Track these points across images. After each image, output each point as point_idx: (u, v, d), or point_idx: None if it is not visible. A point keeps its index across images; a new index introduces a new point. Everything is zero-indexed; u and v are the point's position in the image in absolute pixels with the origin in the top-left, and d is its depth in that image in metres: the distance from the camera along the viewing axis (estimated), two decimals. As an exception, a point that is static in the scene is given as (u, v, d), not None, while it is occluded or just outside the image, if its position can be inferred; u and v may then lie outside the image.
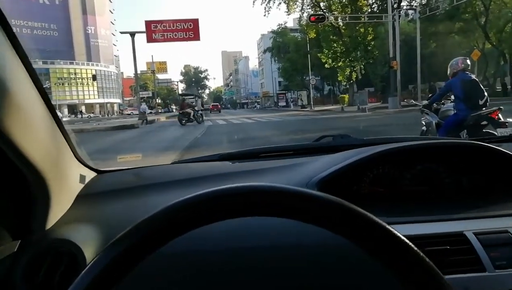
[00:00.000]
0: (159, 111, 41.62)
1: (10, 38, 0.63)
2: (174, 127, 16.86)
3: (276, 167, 1.10)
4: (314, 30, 29.35)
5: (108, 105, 75.89)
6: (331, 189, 0.88)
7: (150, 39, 24.29)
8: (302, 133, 10.58)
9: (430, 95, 5.68)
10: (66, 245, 0.74)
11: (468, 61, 4.76)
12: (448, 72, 4.83)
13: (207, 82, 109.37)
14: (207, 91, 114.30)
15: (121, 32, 26.95)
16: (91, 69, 69.51)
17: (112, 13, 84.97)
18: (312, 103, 35.58)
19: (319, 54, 30.34)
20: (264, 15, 50.85)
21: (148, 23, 24.20)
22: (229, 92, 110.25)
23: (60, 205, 0.86)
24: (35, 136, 0.72)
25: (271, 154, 1.31)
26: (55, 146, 0.82)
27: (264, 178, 1.02)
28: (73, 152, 0.95)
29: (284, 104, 50.15)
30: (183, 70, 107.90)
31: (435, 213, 0.83)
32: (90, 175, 1.06)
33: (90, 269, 0.36)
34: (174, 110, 50.10)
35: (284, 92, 54.24)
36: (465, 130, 4.58)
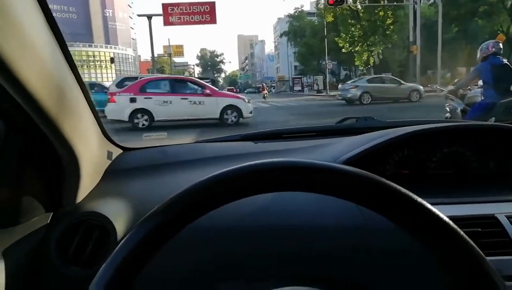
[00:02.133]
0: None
1: (49, 22, 0.64)
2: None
3: (299, 148, 1.09)
4: (331, 14, 28.64)
5: (125, 88, 76.35)
6: None
7: (167, 22, 24.21)
8: (319, 118, 10.47)
9: (455, 80, 5.51)
10: (97, 218, 0.76)
11: (500, 45, 4.52)
12: (478, 56, 4.64)
13: (222, 66, 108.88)
14: (222, 75, 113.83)
15: (138, 15, 27.07)
16: (109, 52, 69.99)
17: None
18: (328, 88, 35.14)
19: (336, 38, 29.69)
20: (281, -2, 49.66)
21: (165, 6, 24.09)
22: (244, 76, 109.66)
23: (89, 180, 0.88)
24: (69, 114, 0.74)
25: (294, 135, 1.31)
26: (85, 123, 0.84)
27: (288, 158, 1.02)
28: (101, 129, 0.96)
29: (299, 88, 49.68)
30: (199, 54, 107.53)
31: (464, 196, 0.81)
32: (116, 152, 1.08)
33: (127, 241, 0.37)
34: None
35: (299, 76, 53.60)
36: (493, 118, 4.41)
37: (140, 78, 10.88)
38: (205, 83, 10.58)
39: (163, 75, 13.83)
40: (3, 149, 0.72)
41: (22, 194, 0.75)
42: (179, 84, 10.09)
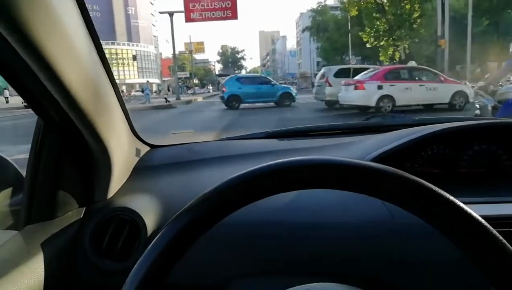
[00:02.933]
0: (195, 92, 42.24)
1: (86, 22, 0.66)
2: (212, 107, 17.08)
3: (326, 146, 1.08)
4: (355, 8, 28.16)
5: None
6: None
7: (188, 19, 24.43)
8: (345, 118, 10.36)
9: (486, 76, 5.30)
10: (128, 213, 0.79)
11: None
12: (510, 51, 4.45)
13: (243, 62, 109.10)
14: (243, 71, 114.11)
15: (160, 12, 27.30)
16: (131, 50, 71.47)
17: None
18: (351, 84, 34.59)
19: (360, 33, 29.17)
20: (304, -7, 49.22)
21: (186, 2, 24.30)
22: (265, 73, 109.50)
23: (119, 176, 0.91)
24: (103, 111, 0.76)
25: (319, 132, 1.30)
26: (117, 120, 0.86)
27: (316, 155, 1.01)
28: (129, 126, 0.99)
29: (322, 85, 49.15)
30: (220, 50, 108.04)
31: (496, 195, 0.79)
32: (144, 149, 1.10)
33: (160, 238, 0.38)
34: (211, 91, 50.59)
35: (322, 72, 53.00)
36: None
37: (376, 68, 12.21)
38: (437, 71, 11.72)
39: (400, 65, 14.63)
40: (42, 146, 0.75)
41: (58, 189, 0.78)
42: (416, 73, 11.17)
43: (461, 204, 0.37)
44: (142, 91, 27.15)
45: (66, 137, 0.76)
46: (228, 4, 24.51)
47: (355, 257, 0.72)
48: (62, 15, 0.56)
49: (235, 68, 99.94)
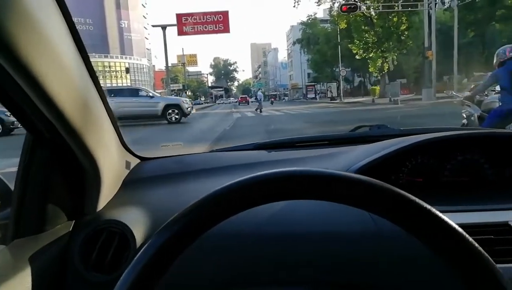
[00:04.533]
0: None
1: (74, 36, 0.67)
2: (206, 118, 17.09)
3: (313, 156, 1.10)
4: (345, 21, 28.61)
5: (140, 97, 77.70)
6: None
7: (180, 32, 24.65)
8: (333, 125, 10.45)
9: (472, 86, 5.40)
10: (117, 225, 0.79)
11: None
12: (494, 62, 4.55)
13: (236, 75, 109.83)
14: (236, 83, 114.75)
15: (153, 26, 27.55)
16: (124, 62, 71.44)
17: (144, 7, 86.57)
18: (342, 95, 34.96)
19: (349, 45, 29.60)
20: (294, 6, 50.30)
21: (179, 16, 24.56)
22: (257, 84, 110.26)
23: (109, 189, 0.91)
24: (93, 125, 0.77)
25: (306, 143, 1.32)
26: (106, 133, 0.87)
27: (302, 166, 1.03)
28: (119, 139, 1.00)
29: (313, 96, 49.64)
30: (213, 63, 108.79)
31: (477, 203, 0.81)
32: (134, 161, 1.11)
33: (147, 248, 0.39)
34: (203, 103, 50.70)
35: (313, 84, 53.55)
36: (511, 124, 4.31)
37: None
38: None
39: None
40: (31, 160, 0.76)
41: (47, 202, 0.78)
42: None
43: (435, 211, 0.38)
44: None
45: (55, 151, 0.77)
46: (220, 17, 24.82)
47: (340, 265, 0.73)
48: (49, 30, 0.57)
49: (227, 80, 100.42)
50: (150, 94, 15.07)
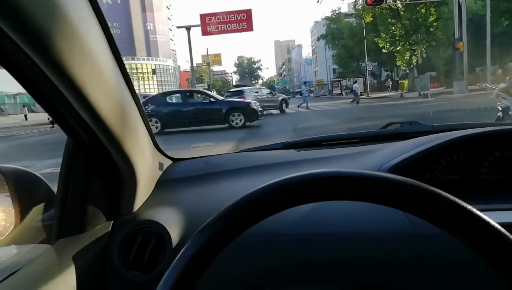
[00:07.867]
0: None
1: (108, 40, 0.70)
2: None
3: (343, 155, 1.09)
4: (370, 14, 27.99)
5: (167, 98, 79.19)
6: (403, 176, 0.86)
7: (205, 32, 24.90)
8: (360, 122, 10.26)
9: (507, 77, 5.18)
10: (154, 225, 0.81)
11: None
12: None
13: (260, 73, 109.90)
14: (260, 81, 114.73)
15: (178, 27, 27.87)
16: (150, 64, 73.11)
17: (168, 9, 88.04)
18: (368, 90, 34.25)
19: (375, 39, 28.96)
20: (317, 1, 49.68)
21: (202, 16, 24.81)
22: (282, 82, 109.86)
23: (144, 190, 0.94)
24: (128, 129, 0.80)
25: (337, 142, 1.31)
26: (141, 136, 0.89)
27: (332, 165, 1.02)
28: (152, 141, 1.02)
29: (339, 92, 48.89)
30: (237, 62, 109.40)
31: None
32: (167, 162, 1.14)
33: (188, 248, 0.40)
34: None
35: (339, 79, 52.73)
36: None
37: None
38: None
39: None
40: (72, 164, 0.79)
41: (87, 204, 0.82)
42: None
43: (475, 210, 0.37)
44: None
45: (94, 155, 0.80)
46: (244, 16, 24.87)
47: (376, 267, 0.72)
48: (90, 42, 0.60)
49: (252, 78, 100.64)
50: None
